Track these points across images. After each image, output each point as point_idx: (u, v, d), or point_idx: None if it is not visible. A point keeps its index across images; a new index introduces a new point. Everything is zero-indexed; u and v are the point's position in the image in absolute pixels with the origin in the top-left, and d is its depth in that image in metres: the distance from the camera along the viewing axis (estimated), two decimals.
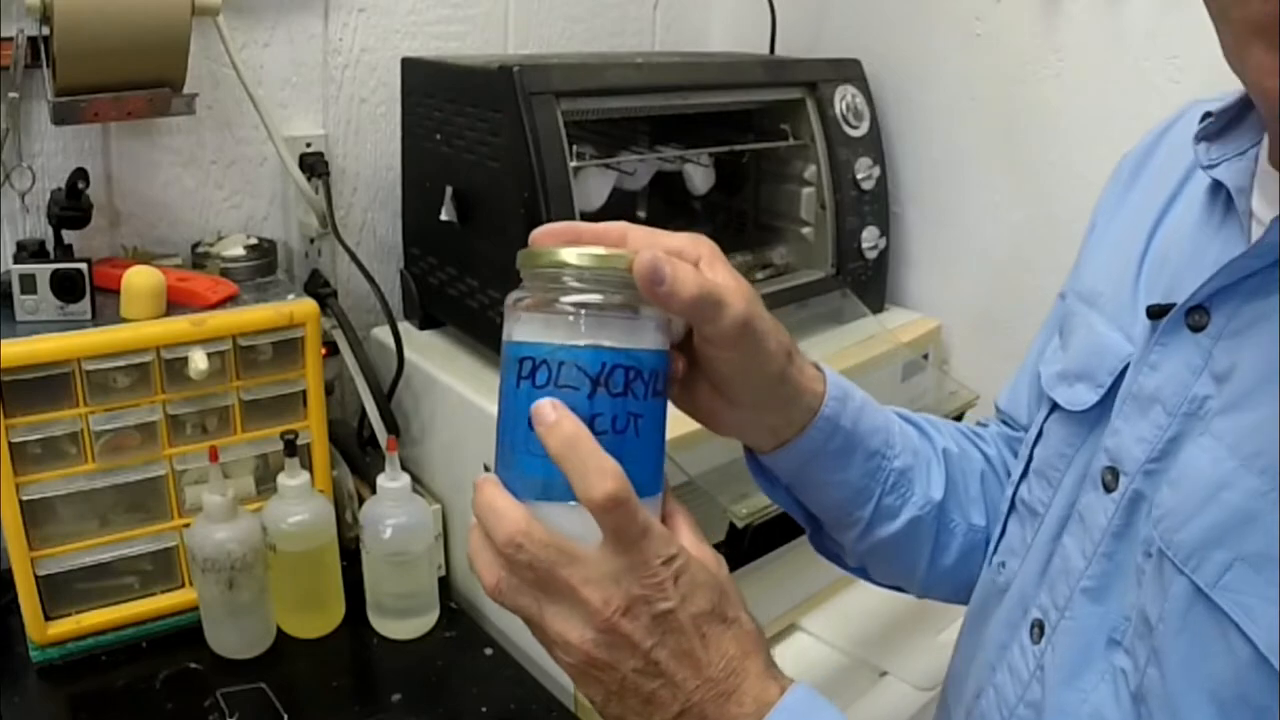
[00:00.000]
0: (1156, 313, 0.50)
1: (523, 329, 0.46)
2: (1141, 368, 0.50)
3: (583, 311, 0.45)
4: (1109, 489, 0.51)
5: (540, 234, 0.49)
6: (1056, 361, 0.60)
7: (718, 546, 0.74)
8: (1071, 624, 0.51)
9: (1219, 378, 0.46)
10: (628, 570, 0.42)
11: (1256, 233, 0.47)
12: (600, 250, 0.45)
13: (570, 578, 0.42)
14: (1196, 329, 0.47)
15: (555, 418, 0.43)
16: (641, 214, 1.14)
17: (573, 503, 0.43)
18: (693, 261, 0.48)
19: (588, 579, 0.42)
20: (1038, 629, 0.54)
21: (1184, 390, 0.47)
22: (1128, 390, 0.51)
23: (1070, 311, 0.60)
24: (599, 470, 0.41)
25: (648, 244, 0.48)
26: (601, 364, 0.44)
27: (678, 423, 0.83)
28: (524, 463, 0.45)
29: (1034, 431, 0.60)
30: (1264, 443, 0.42)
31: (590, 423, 0.44)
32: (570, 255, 0.45)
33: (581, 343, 0.45)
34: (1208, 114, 0.51)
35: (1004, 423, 0.72)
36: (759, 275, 1.07)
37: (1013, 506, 0.62)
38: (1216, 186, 0.51)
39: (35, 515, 0.84)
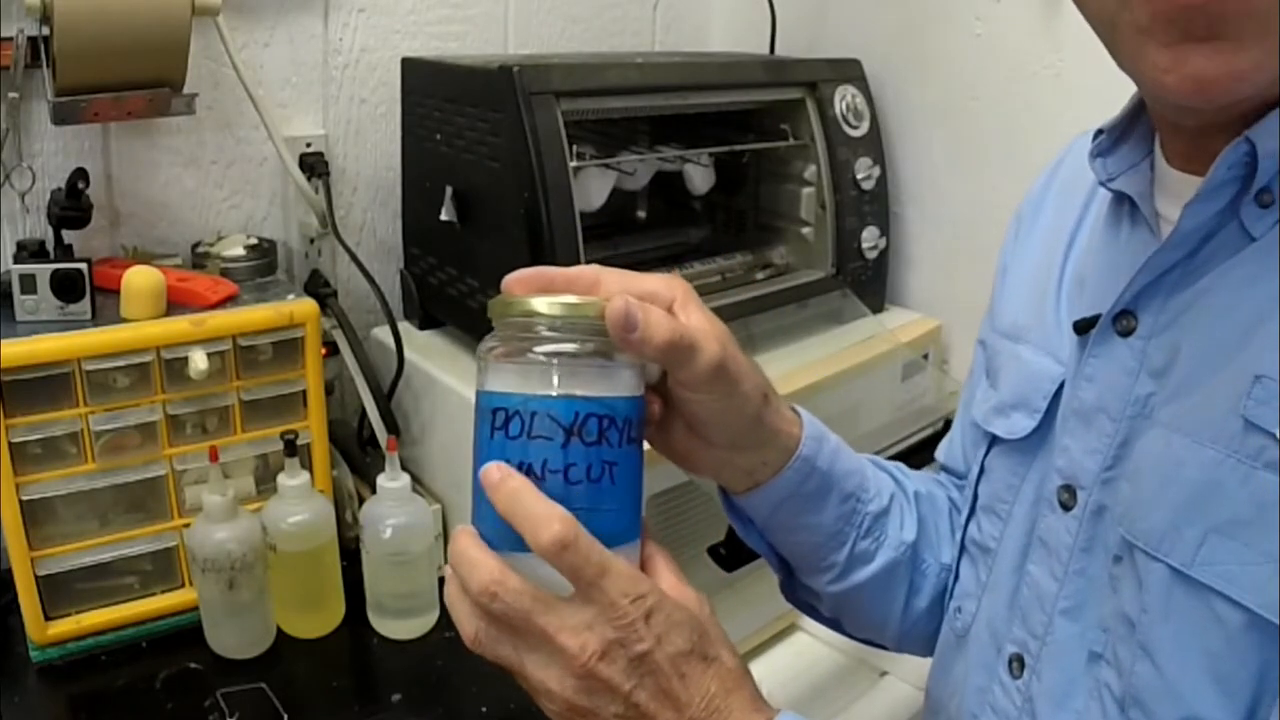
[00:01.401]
0: (1083, 327, 0.51)
1: (495, 379, 0.47)
2: (1078, 382, 0.51)
3: (555, 361, 0.45)
4: (1067, 508, 0.51)
5: (511, 281, 0.50)
6: (988, 399, 0.60)
7: (717, 547, 0.74)
8: (1053, 649, 0.51)
9: (1157, 374, 0.47)
10: (599, 614, 0.43)
11: (1167, 231, 0.47)
12: (572, 298, 0.45)
13: (546, 626, 0.43)
14: (1125, 334, 0.48)
15: (499, 477, 0.44)
16: (641, 214, 1.14)
17: None
18: (666, 305, 0.49)
19: (563, 626, 0.42)
20: (1017, 663, 0.54)
21: (1125, 394, 0.48)
22: (1068, 407, 0.52)
23: (995, 351, 0.61)
24: (544, 517, 0.42)
25: (621, 288, 0.48)
26: (575, 413, 0.44)
27: None
28: (497, 516, 0.45)
29: (975, 470, 0.61)
30: (1211, 414, 0.43)
31: (564, 472, 0.44)
32: (541, 304, 0.45)
33: (554, 393, 0.45)
34: (1099, 131, 0.53)
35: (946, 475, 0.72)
36: (759, 275, 1.07)
37: (963, 549, 0.62)
38: (1119, 199, 0.52)
39: (35, 515, 0.84)
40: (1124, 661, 0.46)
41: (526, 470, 0.44)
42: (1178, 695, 0.43)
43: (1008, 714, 0.54)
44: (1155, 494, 0.45)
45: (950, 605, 0.62)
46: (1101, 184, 0.53)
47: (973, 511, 0.61)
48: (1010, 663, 0.54)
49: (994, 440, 0.59)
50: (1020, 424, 0.56)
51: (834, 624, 0.68)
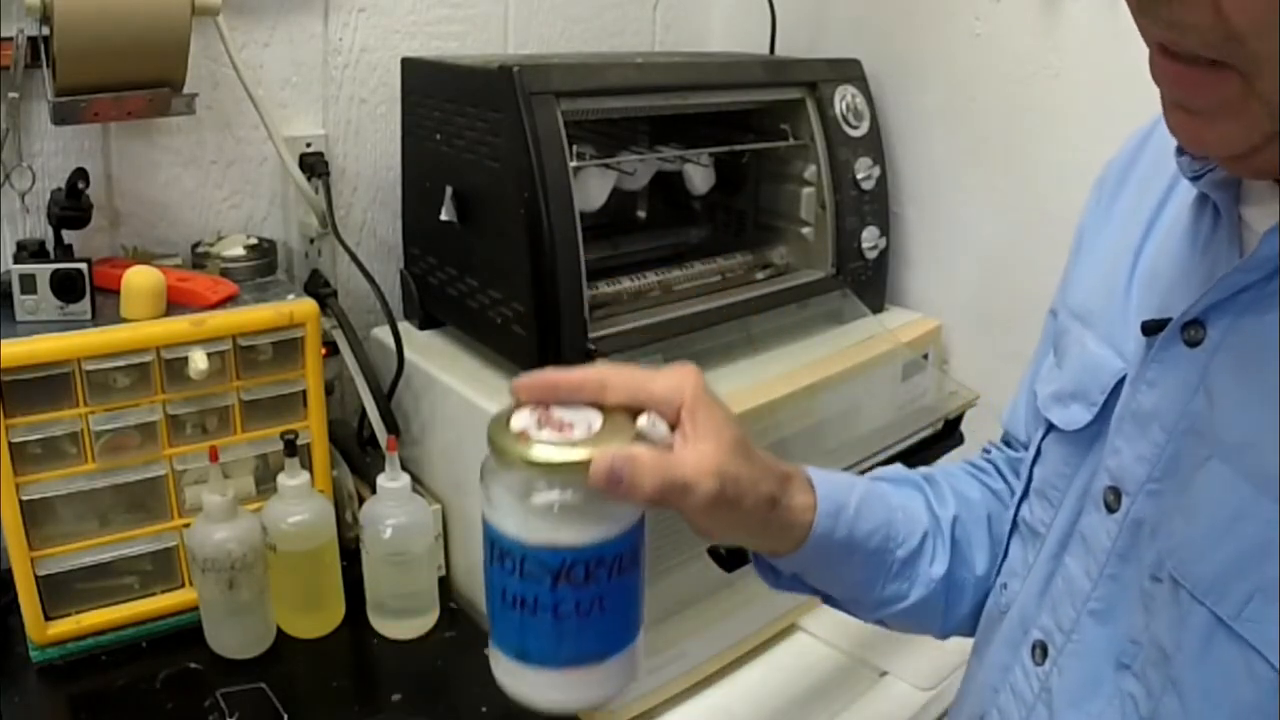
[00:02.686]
0: (1152, 328, 0.49)
1: (492, 511, 0.49)
2: (1139, 385, 0.50)
3: (547, 509, 0.47)
4: (1111, 509, 0.50)
5: (518, 388, 0.51)
6: (1052, 381, 0.59)
7: (717, 547, 0.74)
8: (1079, 646, 0.51)
9: (1214, 394, 0.45)
10: None
11: (1251, 242, 0.46)
12: (565, 453, 0.47)
13: None
14: (1193, 344, 0.47)
15: None
16: (641, 214, 1.14)
17: (544, 667, 0.47)
18: (675, 411, 0.50)
19: None
20: (1040, 650, 0.54)
21: (1180, 407, 0.47)
22: (1126, 408, 0.51)
23: (1064, 329, 0.60)
24: None
25: (628, 394, 0.50)
26: (561, 561, 0.46)
27: None
28: (501, 628, 0.49)
29: (1032, 451, 0.60)
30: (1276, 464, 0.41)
31: (554, 609, 0.46)
32: (537, 454, 0.47)
33: (543, 541, 0.47)
34: None
35: (1006, 443, 0.72)
36: (759, 275, 1.07)
37: (1015, 527, 0.62)
38: (1203, 197, 0.50)
39: (35, 515, 0.84)
40: (1153, 685, 0.46)
41: (519, 602, 0.47)
42: None
43: (1024, 698, 0.54)
44: (1212, 539, 0.43)
45: (998, 580, 0.62)
46: (1188, 179, 0.50)
47: (1026, 492, 0.60)
48: (1034, 648, 0.54)
49: (1051, 426, 0.58)
50: (1077, 415, 0.55)
51: (879, 623, 0.69)
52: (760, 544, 0.58)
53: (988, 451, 0.73)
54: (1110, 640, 0.49)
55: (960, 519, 0.65)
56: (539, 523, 0.47)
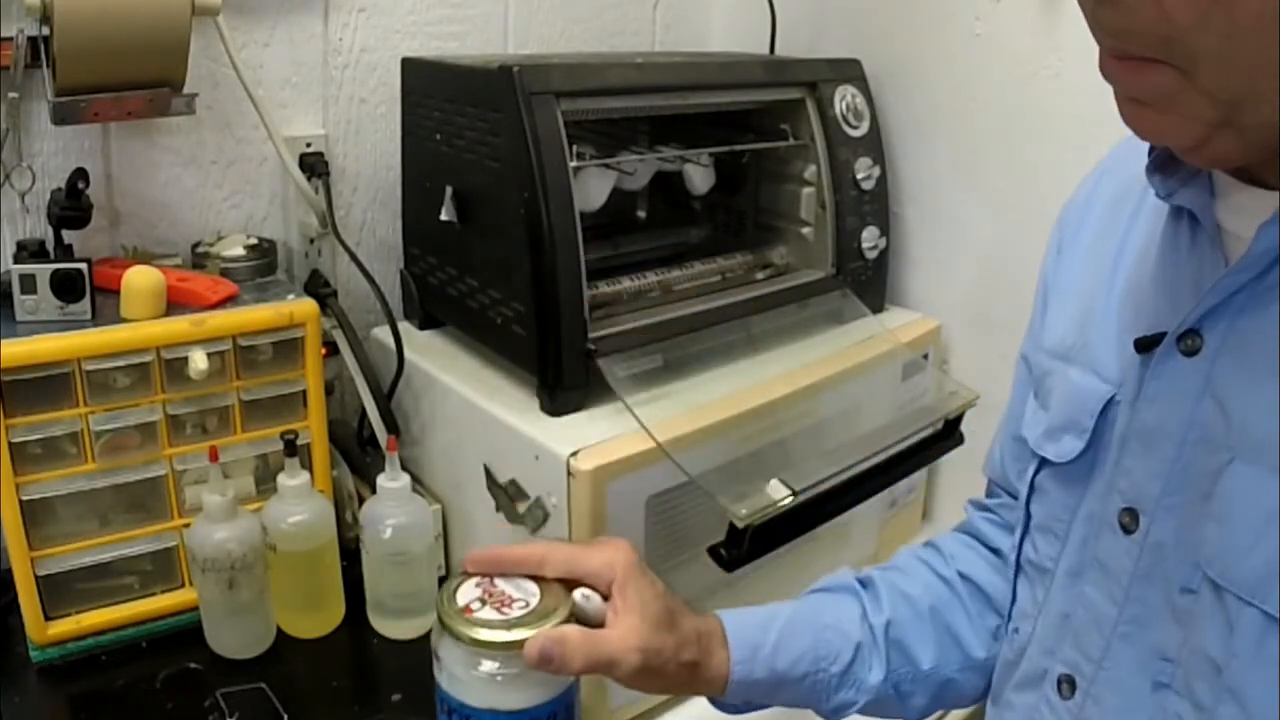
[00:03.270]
0: (1146, 344, 0.50)
1: (441, 674, 0.58)
2: (1140, 403, 0.50)
3: (493, 678, 0.56)
4: (1128, 531, 0.50)
5: (467, 562, 0.60)
6: (1039, 423, 0.60)
7: (717, 547, 0.74)
8: (1111, 674, 0.51)
9: (1223, 398, 0.45)
10: None
11: (1232, 246, 0.47)
12: (502, 635, 0.56)
13: None
14: (1190, 353, 0.47)
15: None
16: (641, 214, 1.14)
17: None
18: (606, 586, 0.59)
19: None
20: (1067, 684, 0.54)
21: (1187, 418, 0.47)
22: (1129, 428, 0.51)
23: (1045, 372, 0.61)
24: None
25: (564, 568, 0.59)
26: None
27: (678, 422, 0.83)
28: None
29: (1024, 490, 0.61)
30: None
31: None
32: (479, 634, 0.56)
33: (485, 705, 0.56)
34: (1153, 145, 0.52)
35: (992, 494, 0.73)
36: (759, 275, 1.07)
37: (1019, 568, 0.62)
38: (1178, 212, 0.51)
39: (35, 515, 0.84)
40: (1203, 699, 0.46)
41: None
42: None
43: None
44: (1252, 541, 0.43)
45: (1009, 625, 0.63)
46: (1161, 198, 0.51)
47: (1026, 531, 0.61)
48: (1059, 684, 0.54)
49: (1044, 461, 0.59)
50: (1069, 446, 0.56)
51: None
52: (689, 693, 0.65)
53: (982, 507, 0.74)
54: (1142, 662, 0.49)
55: (895, 621, 0.67)
56: (482, 689, 0.56)
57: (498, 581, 0.60)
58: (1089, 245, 0.61)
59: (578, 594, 0.60)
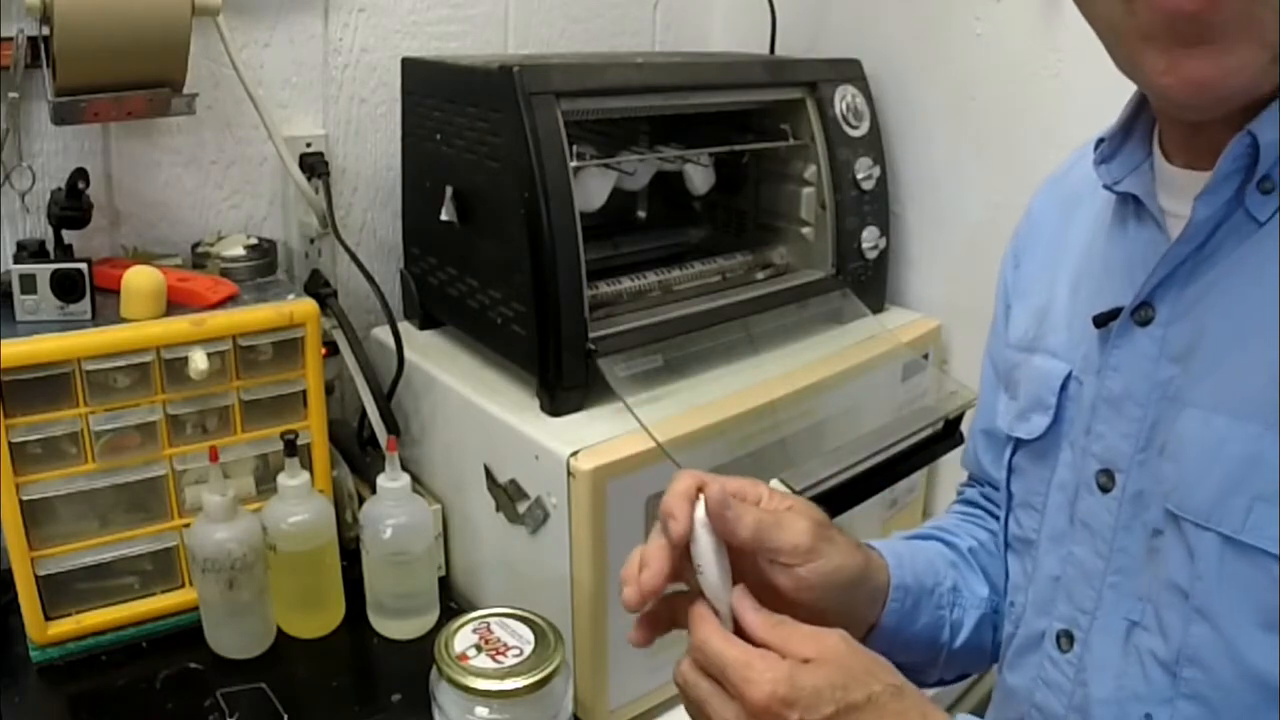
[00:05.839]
0: (1103, 320, 0.54)
1: (440, 715, 0.64)
2: (1105, 373, 0.54)
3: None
4: (1106, 490, 0.54)
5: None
6: (1010, 411, 0.64)
7: None
8: (1103, 622, 0.54)
9: (1178, 358, 0.50)
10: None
11: (1174, 227, 0.51)
12: (497, 685, 0.60)
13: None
14: (1144, 323, 0.52)
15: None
16: (641, 214, 1.14)
17: None
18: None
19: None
20: (1065, 639, 0.56)
21: (1149, 379, 0.51)
22: (1098, 396, 0.55)
23: (1013, 365, 0.65)
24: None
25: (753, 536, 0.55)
26: None
27: (678, 422, 0.83)
28: None
29: (1003, 473, 0.65)
30: (1247, 391, 0.46)
31: None
32: (475, 684, 0.60)
33: None
34: (1100, 140, 0.57)
35: (973, 484, 0.77)
36: (759, 275, 1.07)
37: (1008, 545, 0.66)
38: (1124, 200, 0.56)
39: (35, 515, 0.84)
40: (1171, 627, 0.49)
41: None
42: (1235, 650, 0.46)
43: (1061, 687, 0.57)
44: (1201, 471, 0.48)
45: (1005, 603, 0.66)
46: (1107, 188, 0.56)
47: (1009, 509, 0.65)
48: (1059, 639, 0.57)
49: (1019, 442, 0.63)
50: (1038, 423, 0.60)
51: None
52: (851, 601, 0.60)
53: (961, 493, 0.78)
54: (1124, 609, 0.53)
55: (975, 549, 0.71)
56: None
57: (494, 627, 0.64)
58: (1043, 250, 0.66)
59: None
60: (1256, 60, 0.43)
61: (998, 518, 0.69)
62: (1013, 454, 0.63)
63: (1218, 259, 0.49)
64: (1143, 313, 0.52)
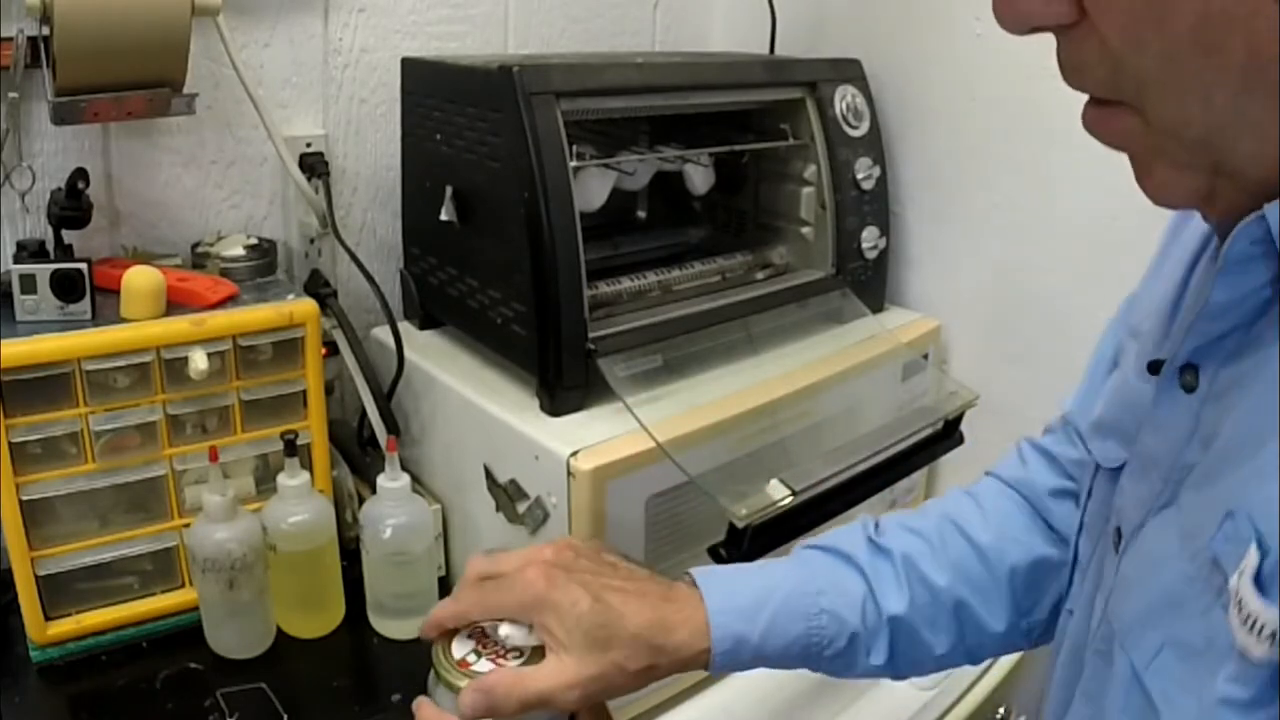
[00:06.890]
0: (1155, 368, 0.47)
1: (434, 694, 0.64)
2: (1148, 427, 0.48)
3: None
4: (1115, 548, 0.50)
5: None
6: (1095, 405, 0.58)
7: (717, 547, 0.74)
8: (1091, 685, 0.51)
9: (1205, 443, 0.43)
10: None
11: None
12: (465, 679, 0.59)
13: None
14: (1189, 389, 0.44)
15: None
16: (641, 214, 1.14)
17: None
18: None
19: None
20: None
21: (1176, 454, 0.45)
22: (1139, 444, 0.49)
23: (1123, 346, 0.58)
24: None
25: (482, 611, 0.61)
26: None
27: (678, 422, 0.83)
28: None
29: (1084, 492, 0.60)
30: (1206, 523, 0.39)
31: None
32: (456, 680, 0.60)
33: None
34: None
35: (1065, 430, 0.70)
36: (759, 275, 1.07)
37: (1076, 558, 0.61)
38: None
39: (35, 515, 0.84)
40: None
41: None
42: None
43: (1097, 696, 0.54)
44: (1138, 586, 0.44)
45: (1066, 605, 0.61)
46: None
47: (1081, 527, 0.60)
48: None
49: (1097, 466, 0.57)
50: (1114, 453, 0.54)
51: None
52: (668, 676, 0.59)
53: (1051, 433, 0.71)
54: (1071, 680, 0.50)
55: (906, 614, 0.64)
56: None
57: (489, 630, 0.62)
58: (1186, 238, 0.55)
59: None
60: (1191, 183, 0.39)
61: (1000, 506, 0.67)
62: (1094, 476, 0.58)
63: (1259, 348, 0.40)
64: (1189, 376, 0.44)
